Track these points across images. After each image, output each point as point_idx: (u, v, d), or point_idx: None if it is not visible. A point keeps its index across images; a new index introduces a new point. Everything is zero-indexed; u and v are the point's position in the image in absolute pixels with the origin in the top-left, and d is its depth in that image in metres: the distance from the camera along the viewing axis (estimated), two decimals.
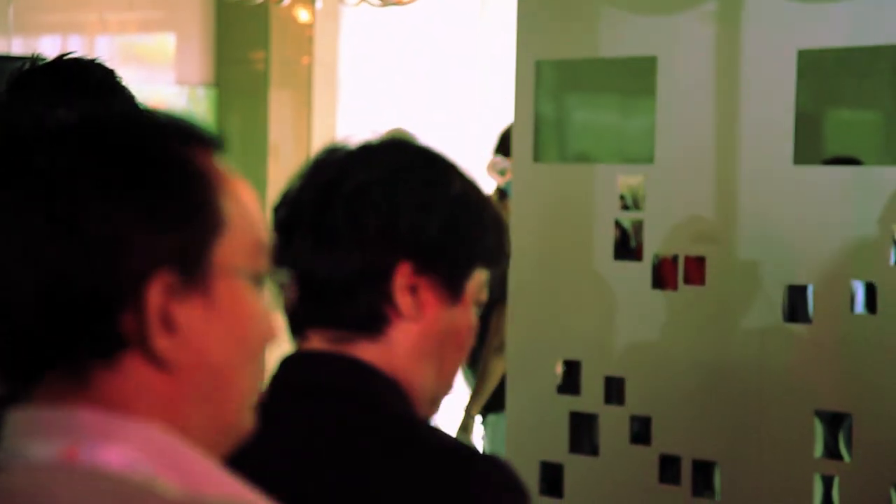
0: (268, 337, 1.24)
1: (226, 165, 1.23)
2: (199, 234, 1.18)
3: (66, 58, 2.39)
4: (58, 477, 1.14)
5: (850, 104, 4.12)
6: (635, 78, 4.32)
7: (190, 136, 1.21)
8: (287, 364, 1.78)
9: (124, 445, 1.15)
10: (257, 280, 1.22)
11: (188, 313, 1.18)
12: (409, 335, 1.77)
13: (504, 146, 6.29)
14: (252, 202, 1.24)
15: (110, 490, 1.13)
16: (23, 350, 1.16)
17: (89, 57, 2.44)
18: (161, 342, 1.16)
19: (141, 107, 2.29)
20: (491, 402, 6.11)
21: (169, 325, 1.17)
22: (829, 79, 4.05)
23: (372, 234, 1.74)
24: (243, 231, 1.21)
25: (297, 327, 1.78)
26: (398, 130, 1.83)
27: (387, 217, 1.74)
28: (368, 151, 1.80)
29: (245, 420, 1.24)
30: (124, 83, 2.33)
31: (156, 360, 1.17)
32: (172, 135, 1.20)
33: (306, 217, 1.76)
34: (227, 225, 1.20)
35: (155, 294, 1.16)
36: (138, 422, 1.16)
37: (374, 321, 1.76)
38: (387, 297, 1.75)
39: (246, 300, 1.21)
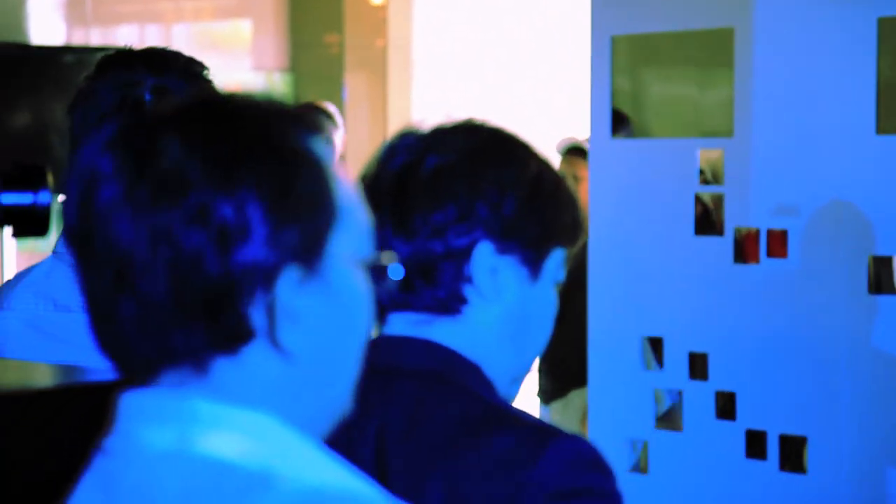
0: (372, 320, 1.26)
1: (325, 149, 1.24)
2: (322, 224, 1.19)
3: (148, 47, 2.43)
4: (170, 465, 1.15)
5: None
6: (712, 51, 4.29)
7: (299, 122, 1.22)
8: (371, 349, 1.79)
9: (239, 435, 1.16)
10: (363, 265, 1.24)
11: (310, 303, 1.19)
12: (490, 316, 1.78)
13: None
14: (353, 187, 1.25)
15: (223, 480, 1.14)
16: (151, 341, 1.16)
17: (166, 45, 2.47)
18: (287, 334, 1.17)
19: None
20: (554, 388, 6.07)
21: (293, 316, 1.18)
22: None
23: (450, 217, 1.75)
24: (352, 217, 1.22)
25: (380, 312, 1.80)
26: (471, 118, 1.84)
27: (465, 200, 1.75)
28: (443, 134, 1.80)
29: (349, 403, 1.25)
30: (207, 73, 2.35)
31: (280, 352, 1.18)
32: (288, 122, 1.20)
33: (385, 202, 1.76)
34: (342, 213, 1.21)
35: (283, 287, 1.17)
36: (254, 411, 1.17)
37: (455, 303, 1.77)
38: (467, 279, 1.76)
39: (357, 286, 1.23)
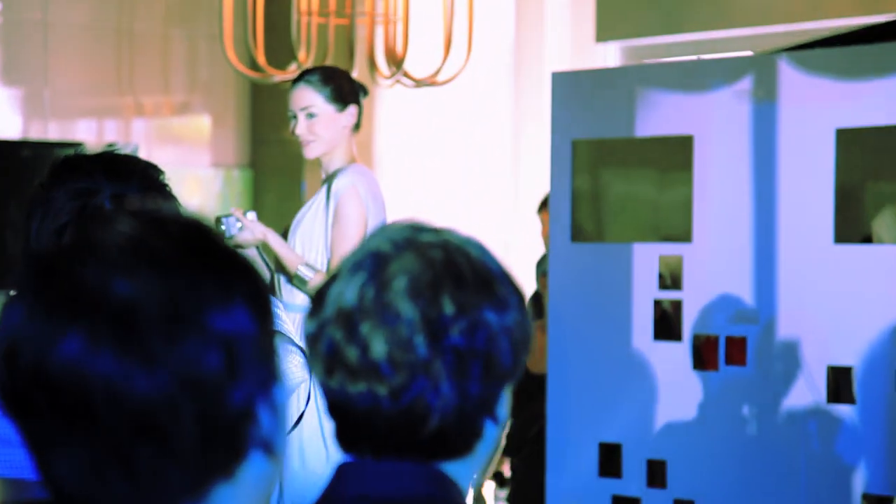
0: None
1: None
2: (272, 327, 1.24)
3: (108, 150, 2.41)
4: None
5: (890, 180, 4.09)
6: (671, 154, 4.30)
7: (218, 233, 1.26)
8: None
9: None
10: None
11: (279, 402, 1.21)
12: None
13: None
14: None
15: None
16: (159, 487, 1.12)
17: (125, 141, 2.44)
18: (278, 437, 1.17)
19: (178, 200, 2.29)
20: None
21: (278, 414, 1.18)
22: (868, 156, 4.02)
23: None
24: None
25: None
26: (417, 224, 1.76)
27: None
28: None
29: None
30: (164, 178, 2.32)
31: (273, 456, 1.17)
32: (217, 235, 1.23)
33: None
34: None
35: (274, 392, 1.17)
36: None
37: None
38: None
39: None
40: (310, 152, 4.52)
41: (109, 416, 1.11)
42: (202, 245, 1.17)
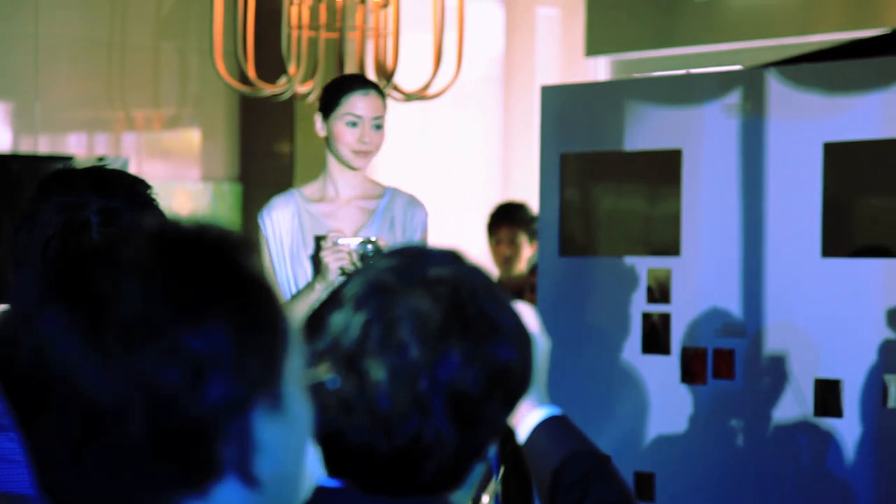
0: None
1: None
2: (279, 349, 1.18)
3: (97, 164, 2.42)
4: None
5: (878, 194, 4.11)
6: (661, 168, 4.32)
7: (244, 246, 1.21)
8: None
9: None
10: (304, 382, 1.23)
11: (272, 430, 1.18)
12: None
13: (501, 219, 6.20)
14: (283, 304, 1.25)
15: None
16: (119, 489, 1.13)
17: (115, 155, 2.45)
18: (257, 465, 1.16)
19: (167, 214, 2.29)
20: None
21: (261, 445, 1.17)
22: (856, 170, 4.04)
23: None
24: (296, 337, 1.22)
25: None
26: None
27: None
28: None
29: None
30: (152, 192, 2.33)
31: (251, 484, 1.16)
32: (237, 247, 1.20)
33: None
34: (291, 335, 1.20)
35: (254, 417, 1.16)
36: None
37: None
38: None
39: (304, 405, 1.23)
40: (366, 163, 4.33)
41: (64, 401, 1.13)
42: (198, 260, 1.17)
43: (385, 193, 4.36)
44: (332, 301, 1.54)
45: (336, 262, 4.06)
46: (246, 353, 1.15)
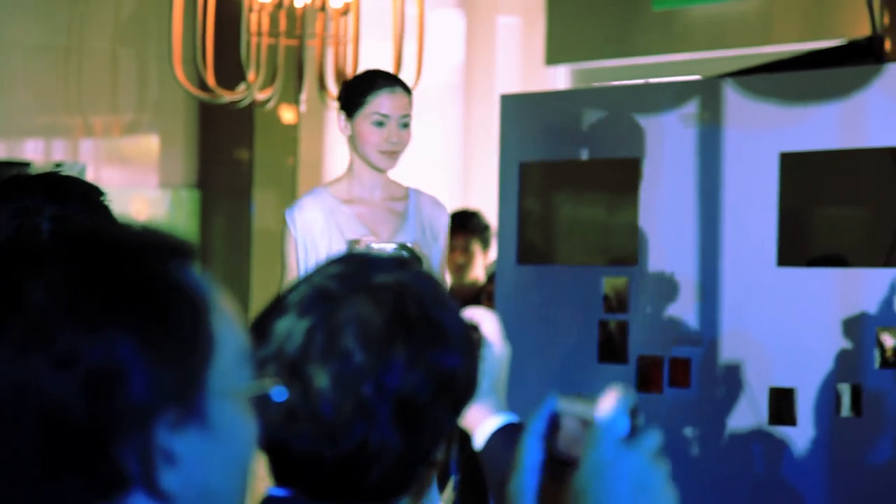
0: (255, 451, 1.22)
1: (205, 274, 1.20)
2: (198, 360, 1.15)
3: (52, 170, 2.40)
4: None
5: (834, 204, 4.13)
6: (619, 177, 4.33)
7: (175, 252, 1.18)
8: None
9: None
10: (244, 395, 1.20)
11: (188, 443, 1.15)
12: None
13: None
14: (233, 312, 1.21)
15: None
16: (20, 497, 1.12)
17: (73, 161, 2.43)
18: (166, 478, 1.14)
19: (120, 221, 2.28)
20: None
21: (172, 459, 1.15)
22: (812, 180, 4.06)
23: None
24: (230, 348, 1.19)
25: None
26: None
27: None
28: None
29: None
30: (106, 199, 2.32)
31: (160, 498, 1.14)
32: (163, 254, 1.17)
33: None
34: (218, 345, 1.17)
35: (159, 430, 1.13)
36: None
37: None
38: None
39: (238, 418, 1.19)
40: (394, 164, 4.16)
41: None
42: (112, 267, 1.14)
43: (409, 194, 4.21)
44: (277, 307, 1.53)
45: None
46: (152, 364, 1.12)
